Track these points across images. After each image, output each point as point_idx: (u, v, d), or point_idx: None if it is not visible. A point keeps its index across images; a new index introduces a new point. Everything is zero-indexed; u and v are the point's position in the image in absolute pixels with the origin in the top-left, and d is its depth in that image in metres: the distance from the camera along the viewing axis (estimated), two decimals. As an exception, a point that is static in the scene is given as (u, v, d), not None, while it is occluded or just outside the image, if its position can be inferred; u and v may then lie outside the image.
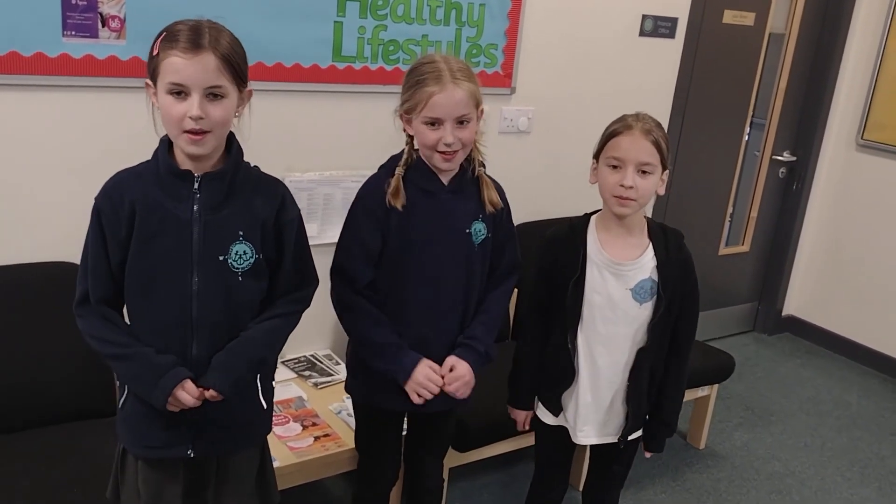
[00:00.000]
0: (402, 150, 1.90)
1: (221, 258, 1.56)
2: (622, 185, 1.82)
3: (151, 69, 1.47)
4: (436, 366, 1.91)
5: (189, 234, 1.53)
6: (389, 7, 2.63)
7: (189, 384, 1.54)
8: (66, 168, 2.27)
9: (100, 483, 1.92)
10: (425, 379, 1.88)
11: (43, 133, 2.21)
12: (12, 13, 2.06)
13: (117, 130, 2.26)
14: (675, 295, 1.93)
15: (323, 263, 1.99)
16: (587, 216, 2.00)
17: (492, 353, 1.99)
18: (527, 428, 2.16)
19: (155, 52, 1.46)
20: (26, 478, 1.94)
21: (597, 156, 1.91)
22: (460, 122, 1.78)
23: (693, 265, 1.98)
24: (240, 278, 1.58)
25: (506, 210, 2.00)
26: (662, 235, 1.94)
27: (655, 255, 1.91)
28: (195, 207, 1.53)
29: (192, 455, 1.64)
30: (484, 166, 1.95)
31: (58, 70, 2.15)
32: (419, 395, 1.89)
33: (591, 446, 2.15)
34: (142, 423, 1.62)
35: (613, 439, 2.05)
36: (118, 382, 1.67)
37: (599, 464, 2.20)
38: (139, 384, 1.56)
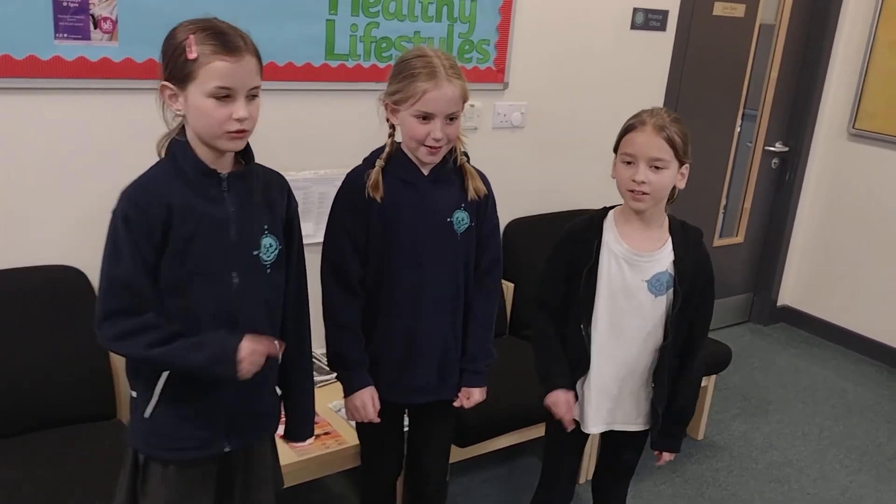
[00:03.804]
0: (385, 143, 1.91)
1: (255, 253, 1.58)
2: (634, 181, 1.85)
3: (184, 73, 1.44)
4: (375, 395, 1.95)
5: (227, 232, 1.54)
6: (381, 4, 2.63)
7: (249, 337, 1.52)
8: (61, 171, 2.26)
9: (100, 485, 1.92)
10: (362, 406, 1.95)
11: (37, 136, 2.21)
12: (3, 16, 2.05)
13: (111, 132, 2.26)
14: (693, 291, 1.94)
15: (319, 262, 2.00)
16: (606, 209, 2.01)
17: (492, 358, 2.06)
18: (571, 419, 1.98)
19: (193, 56, 1.43)
20: (27, 480, 1.94)
21: (616, 151, 1.93)
22: (450, 118, 1.81)
23: (710, 264, 1.99)
24: (268, 270, 1.61)
25: (491, 202, 2.00)
26: (682, 232, 1.96)
27: (674, 249, 1.93)
28: (229, 206, 1.54)
29: (228, 450, 1.65)
30: (467, 157, 1.96)
31: (51, 73, 2.15)
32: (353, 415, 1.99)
33: (602, 437, 2.15)
34: (177, 426, 1.60)
35: (621, 427, 2.05)
36: (135, 393, 1.61)
37: (609, 454, 2.19)
38: (210, 360, 1.49)
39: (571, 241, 2.00)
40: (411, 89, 1.78)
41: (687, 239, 1.95)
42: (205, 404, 1.60)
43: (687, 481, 2.99)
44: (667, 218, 1.97)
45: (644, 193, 1.86)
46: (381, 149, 1.91)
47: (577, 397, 2.03)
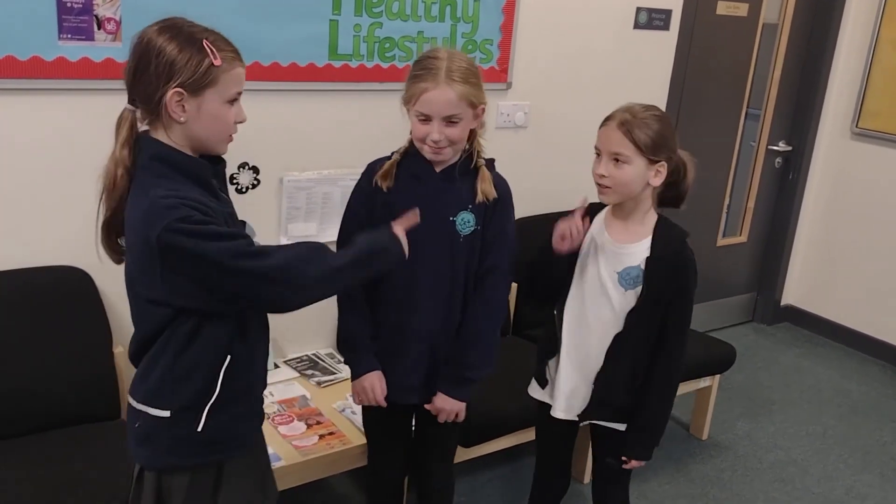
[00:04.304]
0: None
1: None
2: (595, 173, 1.89)
3: (206, 79, 1.42)
4: (383, 379, 1.97)
5: (241, 224, 1.59)
6: (384, 4, 2.63)
7: None
8: (66, 171, 2.26)
9: (104, 486, 1.94)
10: (370, 387, 1.96)
11: (40, 137, 2.21)
12: (8, 17, 2.06)
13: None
14: (663, 292, 1.90)
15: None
16: None
17: (474, 371, 1.99)
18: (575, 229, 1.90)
19: (217, 63, 1.42)
20: (30, 481, 1.94)
21: None
22: (450, 120, 1.82)
23: (690, 268, 1.93)
24: None
25: (500, 206, 1.97)
26: (666, 232, 1.94)
27: (652, 247, 1.91)
28: (228, 201, 1.59)
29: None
30: (489, 162, 1.97)
31: (55, 73, 2.15)
32: (359, 398, 2.00)
33: (592, 437, 2.14)
34: (245, 423, 1.63)
35: (573, 416, 2.05)
36: (166, 413, 1.52)
37: (598, 455, 2.18)
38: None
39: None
40: (413, 89, 1.81)
41: (669, 239, 1.92)
42: (250, 393, 1.63)
43: (691, 481, 2.99)
44: (653, 216, 1.95)
45: (606, 187, 1.88)
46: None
47: (546, 381, 2.09)
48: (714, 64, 3.78)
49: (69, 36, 2.14)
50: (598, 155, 1.90)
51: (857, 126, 4.12)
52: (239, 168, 2.55)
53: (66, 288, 2.24)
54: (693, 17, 3.56)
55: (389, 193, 1.91)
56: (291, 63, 2.52)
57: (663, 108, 3.57)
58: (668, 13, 3.44)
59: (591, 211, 2.01)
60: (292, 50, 2.51)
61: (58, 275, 2.24)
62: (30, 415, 2.15)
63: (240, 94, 1.49)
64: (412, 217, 1.67)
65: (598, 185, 1.89)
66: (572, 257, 1.97)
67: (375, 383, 1.96)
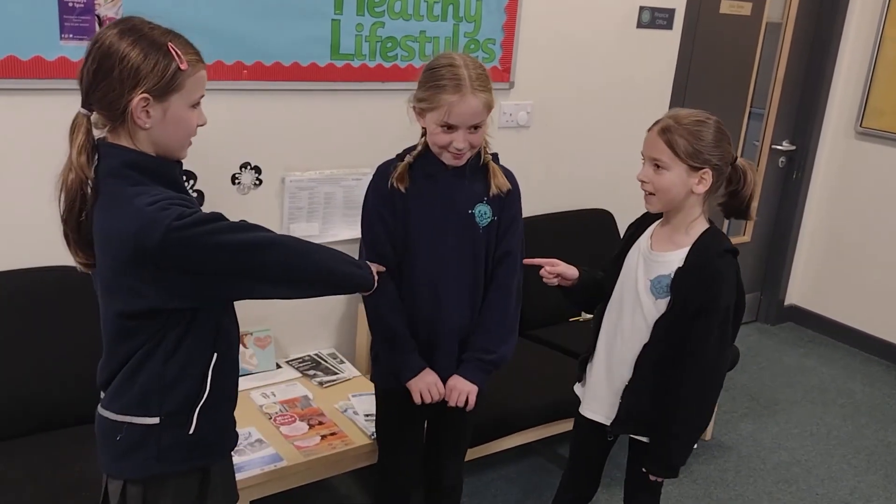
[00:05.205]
0: (419, 142, 1.96)
1: None
2: (638, 178, 1.89)
3: (173, 84, 1.40)
4: (437, 377, 1.99)
5: None
6: (386, 4, 2.62)
7: None
8: (67, 171, 2.26)
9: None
10: (432, 384, 1.97)
11: (41, 137, 2.20)
12: (10, 17, 2.06)
13: (117, 133, 2.25)
14: (690, 304, 1.85)
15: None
16: None
17: (492, 354, 2.00)
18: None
19: (184, 67, 1.40)
20: (31, 482, 1.94)
21: None
22: (473, 127, 1.84)
23: (719, 283, 1.85)
24: None
25: (512, 196, 2.00)
26: (706, 243, 1.88)
27: (686, 257, 1.87)
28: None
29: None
30: (494, 156, 1.99)
31: (56, 73, 2.15)
32: (421, 396, 1.98)
33: (629, 444, 2.10)
34: (231, 423, 1.64)
35: (598, 418, 2.05)
36: (155, 420, 1.48)
37: (630, 461, 2.13)
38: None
39: (631, 226, 2.06)
40: (437, 100, 1.81)
41: (706, 253, 1.86)
42: (233, 391, 1.62)
43: (695, 482, 2.98)
44: (701, 226, 1.90)
45: (650, 194, 1.88)
46: (415, 147, 1.96)
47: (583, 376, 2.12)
48: (717, 63, 3.77)
49: (71, 36, 2.14)
50: (644, 161, 1.90)
51: (861, 125, 4.11)
52: (241, 168, 2.54)
53: (66, 288, 2.23)
54: (696, 15, 3.55)
55: (406, 194, 1.93)
56: (293, 63, 2.51)
57: (666, 107, 3.56)
58: (671, 12, 3.42)
59: (647, 220, 2.02)
60: (294, 50, 2.50)
61: (58, 275, 2.23)
62: (30, 415, 2.15)
63: (202, 97, 1.46)
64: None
65: (643, 191, 1.90)
66: (616, 264, 1.99)
67: (437, 380, 1.97)
